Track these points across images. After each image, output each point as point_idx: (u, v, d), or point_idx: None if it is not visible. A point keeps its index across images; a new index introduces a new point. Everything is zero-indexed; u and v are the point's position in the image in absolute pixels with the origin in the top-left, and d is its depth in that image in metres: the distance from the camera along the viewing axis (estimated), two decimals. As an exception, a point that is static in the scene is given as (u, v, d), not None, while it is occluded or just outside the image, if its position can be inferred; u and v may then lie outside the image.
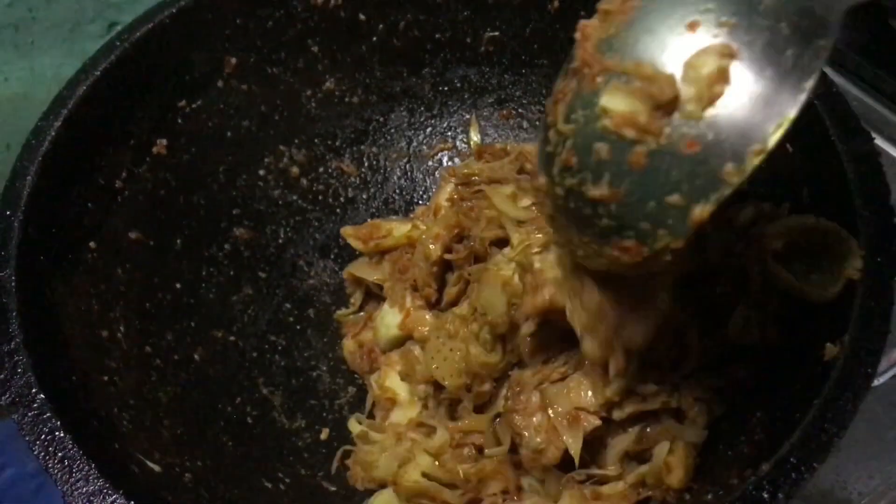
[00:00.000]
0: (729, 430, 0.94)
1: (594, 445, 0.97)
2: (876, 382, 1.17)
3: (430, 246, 1.11)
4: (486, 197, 1.09)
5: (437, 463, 1.01)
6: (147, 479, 0.93)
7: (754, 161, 0.65)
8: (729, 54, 0.65)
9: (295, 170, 1.33)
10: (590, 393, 0.93)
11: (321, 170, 1.36)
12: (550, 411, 0.94)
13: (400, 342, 1.18)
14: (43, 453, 0.81)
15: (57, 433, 0.82)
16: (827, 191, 0.95)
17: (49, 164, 1.00)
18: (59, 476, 0.79)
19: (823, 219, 0.91)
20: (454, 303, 1.12)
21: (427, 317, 1.14)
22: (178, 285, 1.19)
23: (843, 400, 0.79)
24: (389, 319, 1.18)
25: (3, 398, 0.84)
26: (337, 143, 1.36)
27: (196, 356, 1.16)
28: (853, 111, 0.97)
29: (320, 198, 1.36)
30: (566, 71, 0.77)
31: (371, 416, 1.19)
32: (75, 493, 0.78)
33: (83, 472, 0.80)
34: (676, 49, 0.67)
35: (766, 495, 0.75)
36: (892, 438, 1.17)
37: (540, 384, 0.96)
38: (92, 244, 1.07)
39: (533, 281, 0.92)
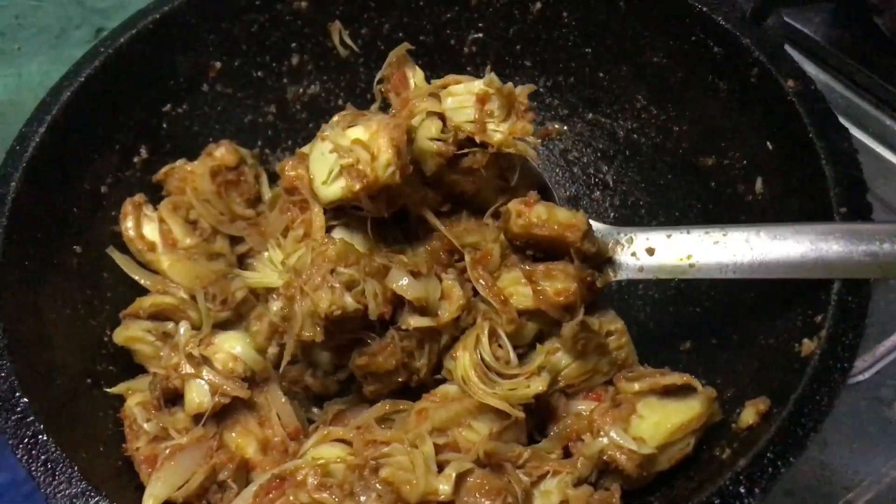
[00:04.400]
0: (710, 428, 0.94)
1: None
2: (860, 378, 1.18)
3: None
4: None
5: None
6: (130, 482, 0.94)
7: None
8: None
9: (281, 173, 1.34)
10: None
11: (307, 172, 1.36)
12: None
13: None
14: (26, 456, 0.82)
15: (40, 436, 0.83)
16: (805, 187, 0.96)
17: (34, 169, 1.01)
18: (41, 479, 0.80)
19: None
20: None
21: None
22: (165, 289, 1.19)
23: (820, 395, 0.80)
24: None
25: (-15, 402, 0.85)
26: (323, 146, 1.36)
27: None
28: (831, 108, 0.98)
29: (308, 200, 1.36)
30: None
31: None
32: (58, 495, 0.79)
33: (66, 475, 0.80)
34: None
35: (742, 490, 0.76)
36: (876, 433, 1.18)
37: None
38: (77, 248, 1.07)
39: None
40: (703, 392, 0.93)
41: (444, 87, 1.00)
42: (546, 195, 1.03)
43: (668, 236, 0.98)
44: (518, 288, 0.98)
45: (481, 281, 0.98)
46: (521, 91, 0.99)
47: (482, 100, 0.97)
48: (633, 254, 1.00)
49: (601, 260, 1.00)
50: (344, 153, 0.92)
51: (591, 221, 1.02)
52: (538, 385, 0.92)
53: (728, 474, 0.77)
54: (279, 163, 1.08)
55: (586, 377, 0.99)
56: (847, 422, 1.18)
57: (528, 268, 0.98)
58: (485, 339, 0.95)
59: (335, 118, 1.04)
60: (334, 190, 0.94)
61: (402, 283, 0.93)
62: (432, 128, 0.98)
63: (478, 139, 0.98)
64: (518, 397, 0.92)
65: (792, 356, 0.86)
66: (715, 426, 0.92)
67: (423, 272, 0.95)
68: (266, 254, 1.04)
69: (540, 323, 0.99)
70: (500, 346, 0.96)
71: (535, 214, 0.96)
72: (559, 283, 0.96)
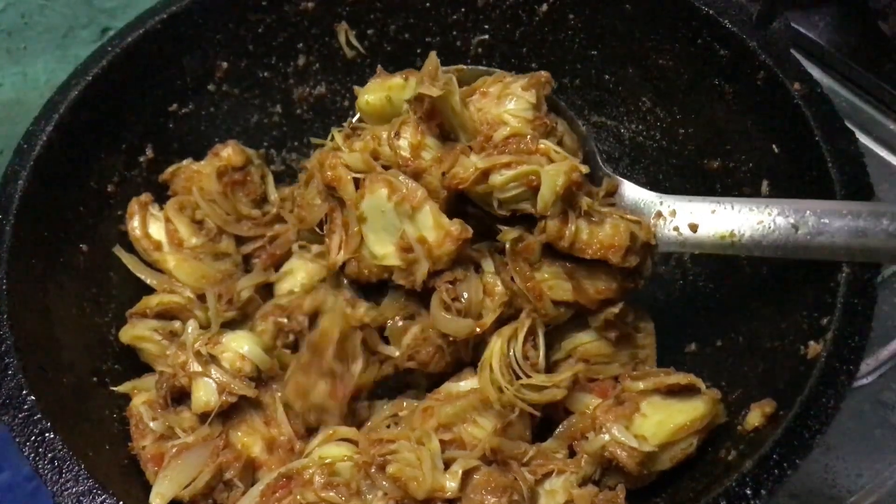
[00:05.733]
0: (714, 429, 0.94)
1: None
2: (864, 381, 1.18)
3: None
4: None
5: None
6: (137, 479, 0.94)
7: None
8: None
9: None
10: None
11: (313, 173, 1.36)
12: None
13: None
14: (33, 454, 0.82)
15: (47, 434, 0.83)
16: (811, 190, 0.96)
17: (41, 168, 1.02)
18: (48, 477, 0.80)
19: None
20: None
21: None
22: (170, 288, 1.19)
23: (826, 397, 0.80)
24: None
25: (-7, 400, 0.85)
26: (328, 147, 1.37)
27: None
28: (838, 112, 0.98)
29: (312, 201, 1.36)
30: None
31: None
32: (65, 493, 0.79)
33: (73, 473, 0.80)
34: None
35: (748, 492, 0.76)
36: (880, 436, 1.18)
37: None
38: (84, 247, 1.08)
39: None
40: (708, 393, 0.93)
41: (491, 169, 0.95)
42: (588, 160, 1.02)
43: (713, 211, 0.95)
44: (559, 282, 0.97)
45: (518, 274, 0.97)
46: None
47: (534, 187, 0.93)
48: (676, 228, 0.97)
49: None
50: (404, 250, 0.93)
51: (636, 187, 1.01)
52: (554, 393, 0.93)
53: (734, 476, 0.77)
54: (319, 151, 1.05)
55: (604, 360, 1.01)
56: (850, 425, 1.18)
57: (570, 265, 0.97)
58: (521, 337, 0.94)
59: (370, 85, 1.06)
60: (383, 262, 0.95)
61: (448, 322, 0.94)
62: (486, 200, 0.97)
63: (538, 214, 0.95)
64: (528, 399, 0.92)
65: (798, 358, 0.86)
66: (721, 428, 0.92)
67: (461, 278, 0.95)
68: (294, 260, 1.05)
69: (576, 308, 0.99)
70: (534, 346, 0.96)
71: (578, 240, 0.94)
72: (601, 282, 0.97)
